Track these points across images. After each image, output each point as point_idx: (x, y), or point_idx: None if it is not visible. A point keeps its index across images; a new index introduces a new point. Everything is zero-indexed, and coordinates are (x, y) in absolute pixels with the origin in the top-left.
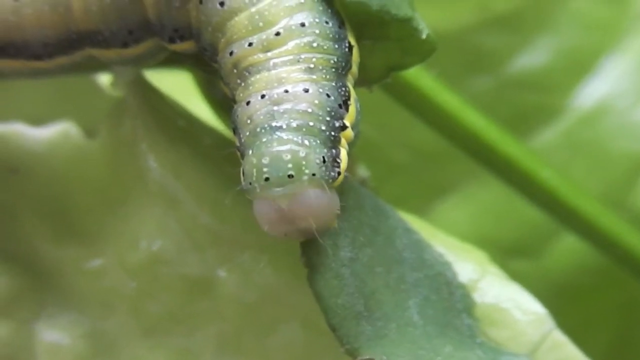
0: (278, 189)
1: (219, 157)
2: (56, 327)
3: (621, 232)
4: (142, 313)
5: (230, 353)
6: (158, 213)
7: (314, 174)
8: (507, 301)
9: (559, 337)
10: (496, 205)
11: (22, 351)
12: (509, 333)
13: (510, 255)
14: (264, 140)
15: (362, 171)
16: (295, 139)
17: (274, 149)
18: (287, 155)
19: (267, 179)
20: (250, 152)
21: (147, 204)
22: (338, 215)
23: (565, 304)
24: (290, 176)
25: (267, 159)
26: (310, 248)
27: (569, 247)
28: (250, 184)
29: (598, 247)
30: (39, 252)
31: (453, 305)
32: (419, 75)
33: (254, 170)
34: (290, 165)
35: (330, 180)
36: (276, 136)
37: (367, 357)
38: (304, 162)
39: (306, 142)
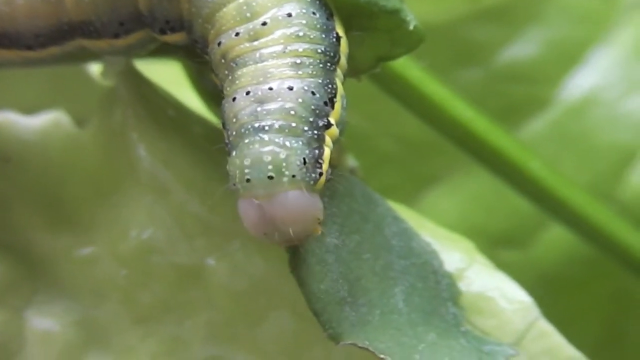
0: (259, 190)
1: (209, 146)
2: (47, 315)
3: (609, 223)
4: (133, 301)
5: (220, 341)
6: (148, 202)
7: (293, 176)
8: (493, 290)
9: (545, 326)
10: (484, 196)
11: (13, 339)
12: (495, 322)
13: (499, 246)
14: (247, 141)
15: (351, 161)
16: (277, 140)
17: (256, 151)
18: (267, 157)
19: (248, 180)
20: (234, 153)
21: (138, 193)
22: (321, 220)
23: (554, 294)
24: (270, 177)
25: (249, 160)
26: None
27: (557, 237)
28: (234, 184)
29: (586, 238)
30: (30, 241)
31: (439, 293)
32: (407, 66)
33: (237, 171)
34: (270, 167)
35: (312, 182)
36: (258, 137)
37: (350, 342)
38: (284, 164)
39: (287, 143)
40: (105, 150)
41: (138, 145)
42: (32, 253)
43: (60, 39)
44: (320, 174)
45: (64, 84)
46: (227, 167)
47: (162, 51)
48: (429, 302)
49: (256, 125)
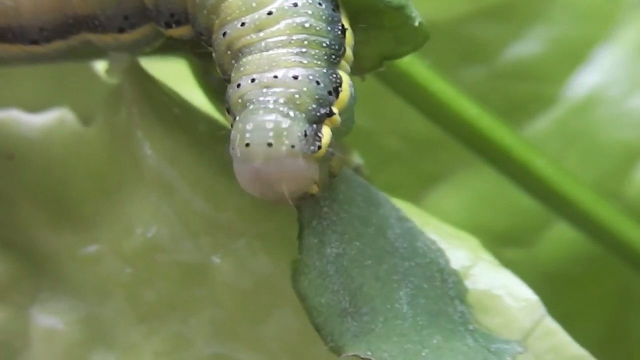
0: (257, 155)
1: (214, 144)
2: (52, 312)
3: (614, 220)
4: (137, 299)
5: (224, 339)
6: (153, 200)
7: (293, 146)
8: (499, 288)
9: (551, 324)
10: (489, 194)
11: (17, 336)
12: (501, 320)
13: (504, 244)
14: (251, 108)
15: (356, 159)
16: (281, 109)
17: (259, 117)
18: (269, 124)
19: (247, 145)
20: (238, 118)
21: (143, 191)
22: (317, 181)
23: (558, 292)
24: (269, 144)
25: (251, 125)
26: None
27: (562, 235)
28: (232, 148)
29: (591, 236)
30: (34, 238)
31: (445, 292)
32: (412, 64)
33: (238, 135)
34: (271, 134)
35: (309, 153)
36: (263, 105)
37: (352, 353)
38: (285, 133)
39: (291, 113)
40: (110, 148)
41: (143, 143)
42: (36, 251)
43: (65, 33)
44: (319, 147)
45: (69, 81)
46: (232, 130)
47: (167, 48)
48: (435, 302)
49: (261, 99)
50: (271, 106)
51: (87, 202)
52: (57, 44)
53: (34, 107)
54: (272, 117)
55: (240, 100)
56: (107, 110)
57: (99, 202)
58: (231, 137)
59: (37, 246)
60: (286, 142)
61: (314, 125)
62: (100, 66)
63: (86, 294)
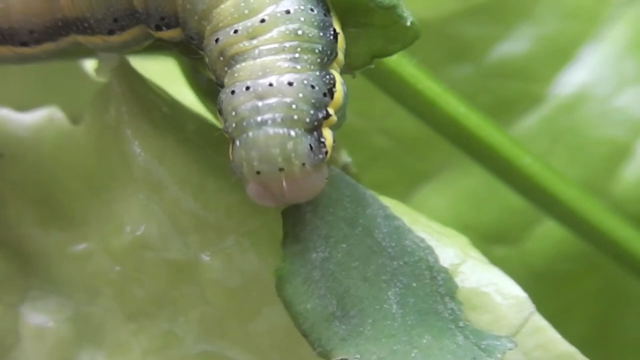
0: (271, 181)
1: (203, 143)
2: (41, 310)
3: (601, 218)
4: (126, 297)
5: (213, 337)
6: (142, 198)
7: (303, 164)
8: (488, 285)
9: (540, 321)
10: (477, 192)
11: (7, 334)
12: (490, 317)
13: (491, 242)
14: (251, 134)
15: (344, 157)
16: (281, 131)
17: (262, 144)
18: (276, 150)
19: (258, 173)
20: (238, 143)
21: (132, 189)
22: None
23: (546, 290)
24: (281, 169)
25: (256, 153)
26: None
27: (549, 233)
28: (241, 174)
29: (578, 234)
30: (23, 237)
31: (435, 290)
32: (400, 62)
33: (244, 163)
34: (280, 159)
35: (319, 163)
36: (262, 131)
37: (340, 357)
38: (293, 154)
39: (292, 133)
40: (99, 146)
41: (132, 142)
42: (26, 249)
43: (54, 35)
44: (326, 153)
45: (58, 80)
46: (231, 153)
47: (157, 47)
48: (424, 300)
49: (258, 119)
50: (271, 131)
51: (76, 201)
52: (47, 46)
53: (23, 106)
54: (276, 141)
55: (234, 113)
56: (96, 109)
57: (88, 200)
58: (235, 162)
59: (26, 244)
60: (296, 162)
61: (315, 133)
62: (89, 65)
63: (75, 292)
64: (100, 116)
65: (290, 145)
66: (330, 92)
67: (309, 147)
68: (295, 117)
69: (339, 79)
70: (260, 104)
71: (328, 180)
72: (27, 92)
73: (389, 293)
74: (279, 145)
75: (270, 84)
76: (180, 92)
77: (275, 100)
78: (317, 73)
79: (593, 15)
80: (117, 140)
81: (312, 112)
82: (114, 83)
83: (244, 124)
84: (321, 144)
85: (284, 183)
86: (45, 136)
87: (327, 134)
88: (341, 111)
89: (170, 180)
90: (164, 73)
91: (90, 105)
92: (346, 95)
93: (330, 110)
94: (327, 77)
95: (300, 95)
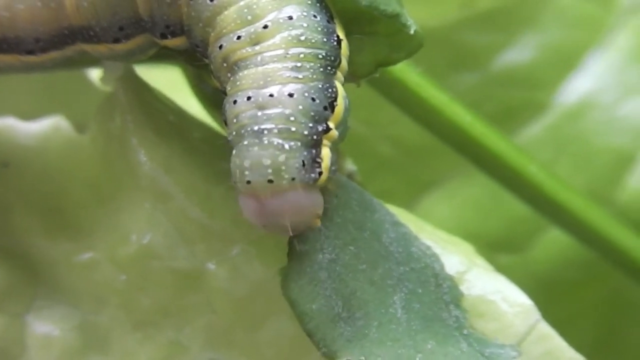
0: (259, 192)
1: (209, 151)
2: (47, 319)
3: (606, 226)
4: (133, 306)
5: (219, 346)
6: (148, 207)
7: (293, 178)
8: (494, 293)
9: (545, 329)
10: (482, 200)
11: (13, 344)
12: (496, 325)
13: (496, 250)
14: (246, 143)
15: (349, 165)
16: (276, 143)
17: (255, 154)
18: (267, 161)
19: (248, 182)
20: (235, 152)
21: (138, 198)
22: (320, 215)
23: (551, 297)
24: (270, 181)
25: (248, 162)
26: (289, 255)
27: (554, 241)
28: (234, 182)
29: (583, 242)
30: (29, 246)
31: (440, 297)
32: (406, 71)
33: (237, 171)
34: (270, 171)
35: (311, 182)
36: (257, 140)
37: (345, 359)
38: (283, 167)
39: (286, 146)
40: (104, 155)
41: (138, 151)
42: (32, 258)
43: (60, 44)
44: (320, 173)
45: (64, 89)
46: (231, 164)
47: (162, 56)
48: (429, 307)
49: (255, 128)
50: (266, 141)
51: (82, 210)
52: (53, 54)
53: (29, 115)
54: (269, 152)
55: (235, 121)
56: (102, 117)
57: (94, 209)
58: (232, 169)
59: (33, 254)
60: (286, 176)
61: (313, 151)
62: (94, 74)
63: (82, 301)
64: (105, 125)
65: (282, 157)
66: (331, 106)
67: (301, 162)
68: (293, 129)
69: (341, 92)
70: (259, 113)
71: (335, 187)
72: (32, 101)
73: (395, 298)
74: (270, 157)
75: (271, 95)
76: (186, 100)
77: (274, 111)
78: (320, 85)
79: (597, 24)
80: (123, 149)
81: (311, 125)
82: (119, 92)
83: (242, 131)
84: (316, 163)
85: (270, 195)
86: (51, 145)
87: (326, 156)
88: (342, 125)
89: (176, 189)
90: (169, 82)
91: (96, 114)
92: (347, 109)
93: (331, 124)
94: (330, 89)
95: (300, 107)
